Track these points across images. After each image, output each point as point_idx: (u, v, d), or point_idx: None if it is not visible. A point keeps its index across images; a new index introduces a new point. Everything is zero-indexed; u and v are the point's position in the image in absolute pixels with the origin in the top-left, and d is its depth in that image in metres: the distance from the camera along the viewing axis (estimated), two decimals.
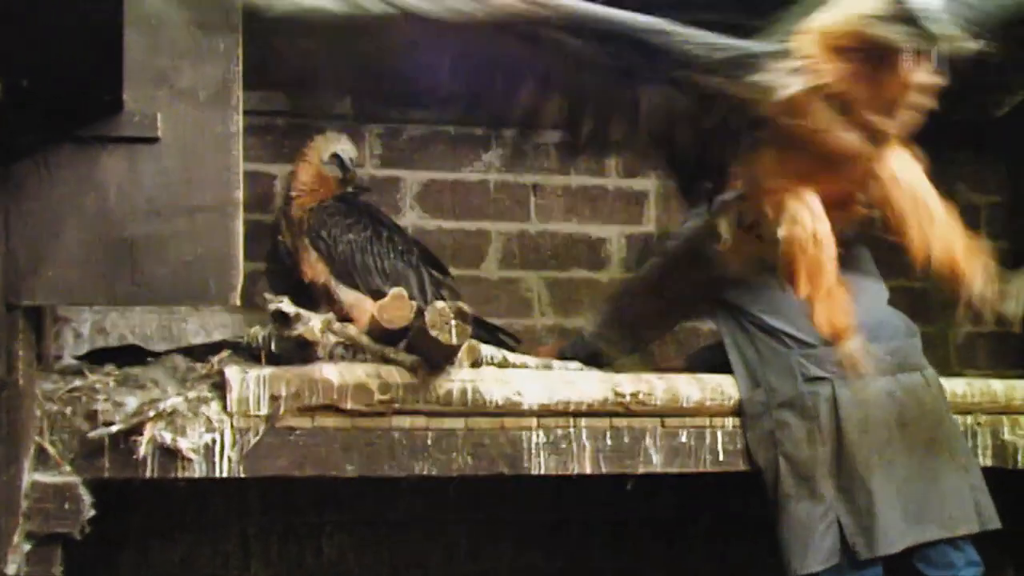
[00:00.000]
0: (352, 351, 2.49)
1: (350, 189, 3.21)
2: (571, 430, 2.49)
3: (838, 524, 2.45)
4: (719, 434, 2.59)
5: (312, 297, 3.09)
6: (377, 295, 2.91)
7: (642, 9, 2.08)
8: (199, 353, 2.50)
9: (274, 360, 2.36)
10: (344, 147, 3.20)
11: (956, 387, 2.74)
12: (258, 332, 2.41)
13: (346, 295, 3.02)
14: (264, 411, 2.27)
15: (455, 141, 3.73)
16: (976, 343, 3.93)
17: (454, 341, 2.28)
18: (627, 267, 3.77)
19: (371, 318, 2.52)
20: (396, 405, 2.36)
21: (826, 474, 2.48)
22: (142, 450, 2.13)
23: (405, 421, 2.38)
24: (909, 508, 2.48)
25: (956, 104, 1.93)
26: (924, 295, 3.94)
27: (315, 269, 3.05)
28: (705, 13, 2.11)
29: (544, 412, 2.48)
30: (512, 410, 2.45)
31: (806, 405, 2.52)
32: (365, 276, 3.00)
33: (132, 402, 2.17)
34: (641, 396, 2.53)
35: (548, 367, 2.66)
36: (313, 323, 2.33)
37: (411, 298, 2.55)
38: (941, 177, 2.33)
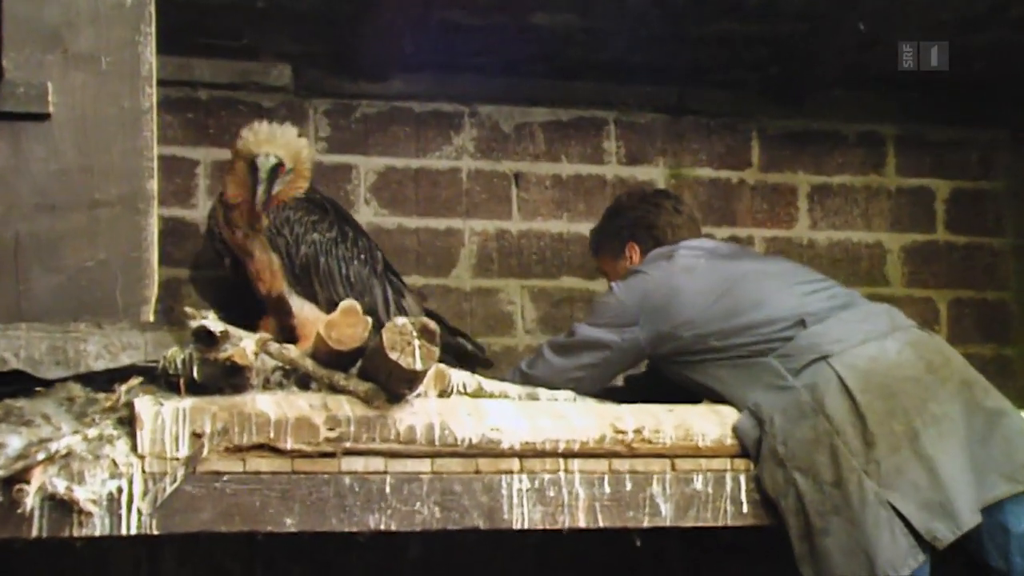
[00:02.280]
0: (294, 378, 2.46)
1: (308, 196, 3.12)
2: (561, 475, 2.47)
3: (899, 518, 2.42)
4: (742, 479, 2.58)
5: (260, 310, 3.06)
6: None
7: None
8: (102, 381, 2.43)
9: (197, 389, 2.33)
10: (269, 150, 2.98)
11: None
12: (177, 355, 2.36)
13: (302, 309, 2.99)
14: (183, 452, 2.24)
15: (420, 120, 3.74)
16: None
17: (418, 366, 2.27)
18: None
19: (317, 338, 2.50)
20: (347, 444, 2.34)
21: (856, 468, 2.46)
22: (29, 502, 2.09)
23: (358, 463, 2.36)
24: (976, 462, 2.48)
25: None
26: (1002, 308, 4.04)
27: (271, 275, 3.01)
28: None
29: (528, 452, 2.46)
30: (489, 450, 2.43)
31: (801, 402, 2.54)
32: (328, 285, 2.97)
33: (16, 442, 2.13)
34: (646, 433, 2.52)
35: (533, 397, 2.65)
36: (245, 343, 2.31)
37: (369, 313, 2.51)
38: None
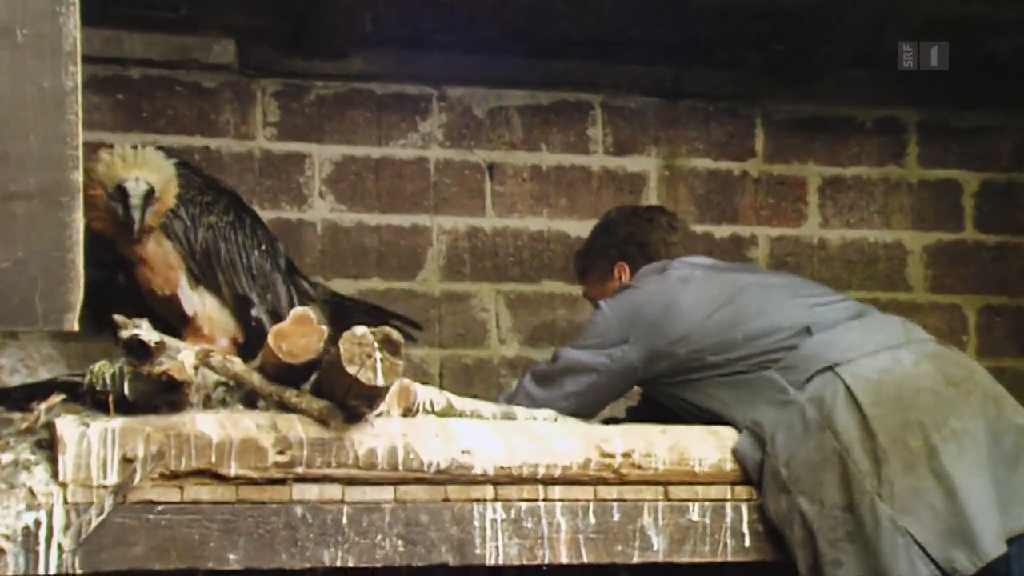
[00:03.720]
0: (239, 394, 2.46)
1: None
2: (540, 504, 2.48)
3: (916, 545, 2.44)
4: (744, 509, 2.59)
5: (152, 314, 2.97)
6: (241, 305, 2.89)
7: None
8: (18, 398, 2.45)
9: (128, 408, 2.33)
10: (138, 174, 2.84)
11: None
12: (105, 369, 2.37)
13: (203, 305, 2.93)
14: (112, 479, 2.24)
15: (382, 103, 3.74)
16: None
17: (379, 381, 2.27)
18: None
19: (266, 349, 2.49)
20: (299, 469, 2.34)
21: (868, 490, 2.48)
22: None
23: (311, 491, 2.37)
24: (1002, 486, 2.50)
25: None
26: None
27: (168, 268, 2.93)
28: None
29: (503, 479, 2.47)
30: (459, 476, 2.44)
31: (807, 417, 2.56)
32: (231, 276, 2.94)
33: None
34: (636, 457, 2.53)
35: (509, 416, 2.66)
36: (183, 356, 2.31)
37: (272, 315, 2.47)
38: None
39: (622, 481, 2.52)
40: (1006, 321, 4.08)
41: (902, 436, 2.51)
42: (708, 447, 2.60)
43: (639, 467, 2.53)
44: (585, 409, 2.83)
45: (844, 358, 2.59)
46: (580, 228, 3.78)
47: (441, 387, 3.00)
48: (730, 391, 2.69)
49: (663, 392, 2.84)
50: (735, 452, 2.61)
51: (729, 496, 2.59)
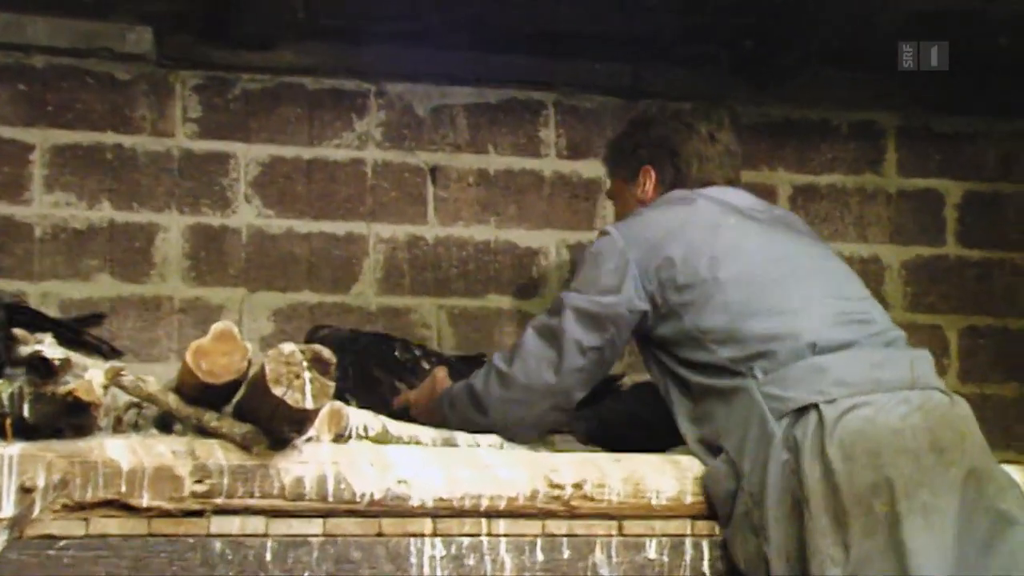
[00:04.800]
0: (153, 417, 2.46)
1: None
2: (484, 539, 2.49)
3: None
4: (705, 546, 2.60)
5: None
6: None
7: None
8: None
9: (28, 432, 2.31)
10: None
11: None
12: (3, 389, 2.35)
13: None
14: (8, 511, 2.23)
15: (314, 99, 3.74)
16: None
17: (308, 403, 2.27)
18: None
19: (184, 369, 2.49)
20: (218, 500, 2.34)
21: (822, 551, 2.46)
22: None
23: (232, 524, 2.36)
24: (966, 572, 2.48)
25: None
26: (1015, 339, 4.08)
27: None
28: None
29: (443, 511, 2.47)
30: (395, 508, 2.44)
31: (781, 459, 2.52)
32: None
33: None
34: (588, 488, 2.54)
35: (450, 443, 2.66)
36: (92, 375, 2.30)
37: None
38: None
39: (572, 514, 2.53)
40: (990, 344, 4.10)
41: (868, 498, 2.48)
42: (666, 478, 2.61)
43: (591, 499, 2.54)
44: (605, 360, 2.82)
45: (831, 395, 2.54)
46: (530, 238, 3.80)
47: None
48: (714, 403, 2.66)
49: (651, 359, 2.81)
50: (706, 478, 2.61)
51: (689, 531, 2.60)
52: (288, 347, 2.28)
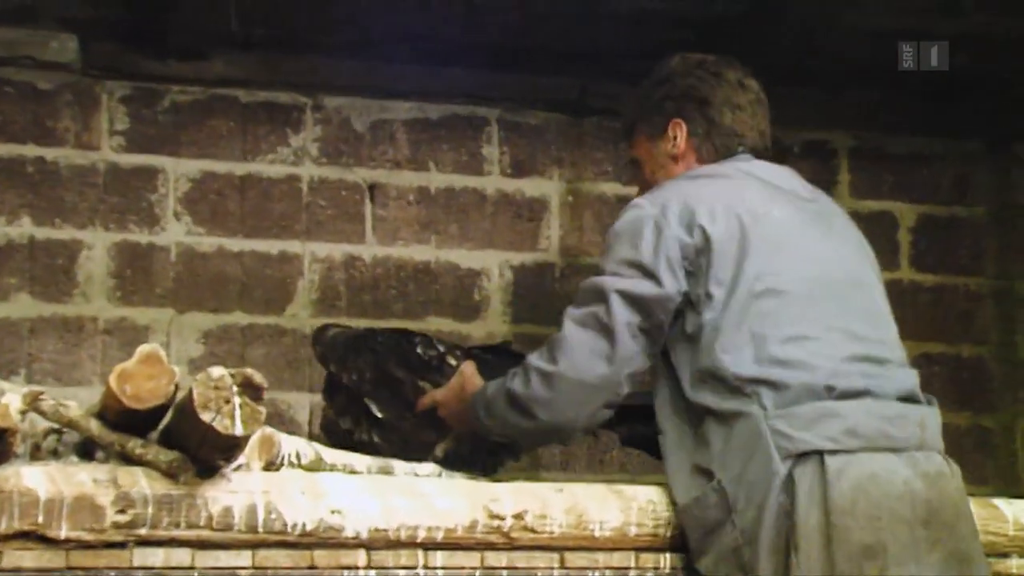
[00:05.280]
0: (73, 444, 2.45)
1: None
2: (420, 571, 2.49)
3: None
4: None
5: None
6: None
7: None
8: None
9: None
10: None
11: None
12: None
13: None
14: None
15: (248, 112, 3.74)
16: None
17: (238, 430, 2.27)
18: (515, 316, 3.80)
19: (107, 392, 2.49)
20: (142, 531, 2.33)
21: None
22: None
23: (156, 556, 2.35)
24: None
25: None
26: (980, 367, 4.11)
27: None
28: None
29: (378, 543, 2.48)
30: (328, 539, 2.44)
31: (779, 501, 2.53)
32: None
33: None
34: (529, 519, 2.55)
35: (387, 471, 2.67)
36: (8, 399, 2.28)
37: None
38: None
39: (513, 546, 2.54)
40: (944, 371, 4.13)
41: (860, 559, 2.50)
42: (610, 509, 2.62)
43: (532, 530, 2.55)
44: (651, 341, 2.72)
45: (842, 444, 2.53)
46: (472, 259, 3.80)
47: (311, 437, 3.00)
48: (712, 426, 2.62)
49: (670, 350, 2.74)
50: (693, 502, 2.59)
51: (633, 564, 2.62)
52: (217, 371, 2.28)
